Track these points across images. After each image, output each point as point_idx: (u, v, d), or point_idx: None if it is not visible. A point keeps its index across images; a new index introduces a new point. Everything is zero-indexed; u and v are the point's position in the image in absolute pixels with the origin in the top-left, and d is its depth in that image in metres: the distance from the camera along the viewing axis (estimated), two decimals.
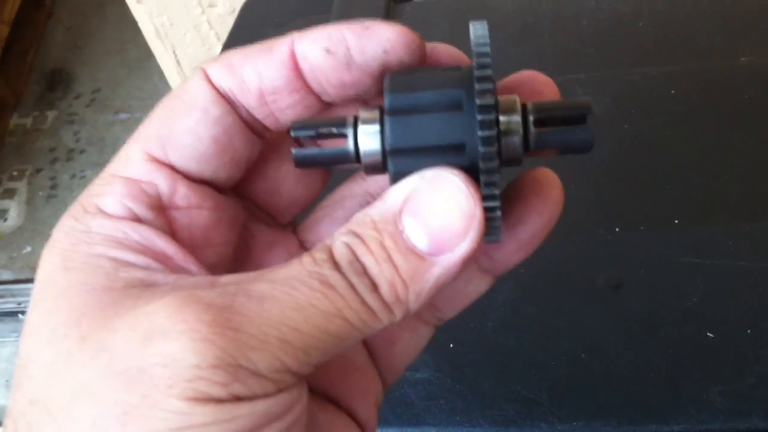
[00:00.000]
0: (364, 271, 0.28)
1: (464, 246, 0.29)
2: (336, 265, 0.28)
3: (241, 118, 0.33)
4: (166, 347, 0.26)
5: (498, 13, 0.84)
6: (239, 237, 0.36)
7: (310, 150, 0.32)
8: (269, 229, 0.37)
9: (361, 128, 0.31)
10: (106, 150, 2.62)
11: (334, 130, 0.32)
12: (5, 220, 2.50)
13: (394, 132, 0.30)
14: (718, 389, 0.52)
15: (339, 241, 0.29)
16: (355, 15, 0.87)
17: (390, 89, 0.30)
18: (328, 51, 0.31)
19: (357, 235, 0.29)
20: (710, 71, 0.71)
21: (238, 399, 0.26)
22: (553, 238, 0.61)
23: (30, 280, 2.33)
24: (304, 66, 0.32)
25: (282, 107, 0.33)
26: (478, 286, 0.37)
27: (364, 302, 0.28)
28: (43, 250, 0.32)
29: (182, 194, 0.33)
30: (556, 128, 0.31)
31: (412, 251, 0.29)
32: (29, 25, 2.98)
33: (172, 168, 0.33)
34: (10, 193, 2.58)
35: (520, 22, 0.82)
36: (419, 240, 0.29)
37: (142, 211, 0.32)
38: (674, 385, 0.53)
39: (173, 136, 0.32)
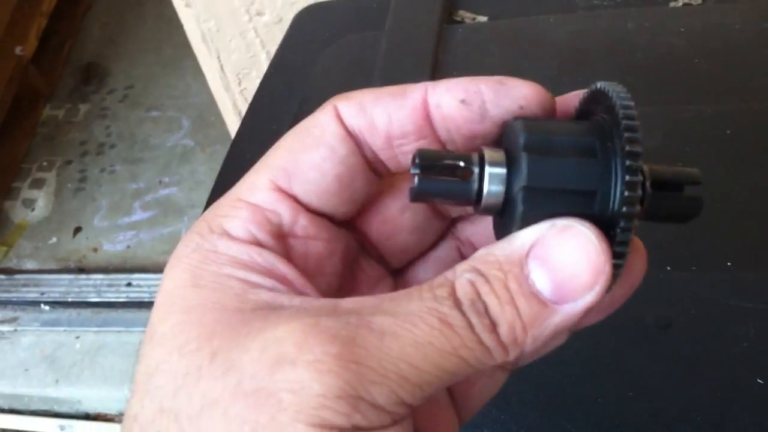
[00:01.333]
0: (485, 311, 0.29)
1: (588, 298, 0.29)
2: (457, 303, 0.29)
3: (364, 157, 0.34)
4: (294, 374, 0.27)
5: (550, 41, 0.84)
6: (349, 269, 0.37)
7: (429, 182, 0.32)
8: (378, 266, 0.38)
9: (489, 168, 0.31)
10: (136, 146, 2.64)
11: (461, 163, 0.31)
12: (33, 209, 2.52)
13: (530, 170, 0.30)
14: None
15: (463, 278, 0.29)
16: (408, 34, 0.87)
17: (525, 130, 0.30)
18: (463, 102, 0.32)
19: (481, 274, 0.29)
20: (766, 112, 0.71)
21: (358, 429, 0.27)
22: None
23: (54, 271, 2.35)
24: (436, 114, 0.33)
25: (406, 151, 0.34)
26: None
27: (481, 342, 0.29)
28: (169, 263, 0.33)
29: (301, 224, 0.34)
30: (669, 193, 0.32)
31: (535, 296, 0.29)
32: (67, 18, 3.01)
33: (295, 199, 0.34)
34: (38, 184, 2.60)
35: (573, 50, 0.82)
36: (544, 286, 0.29)
37: (264, 237, 0.33)
38: (721, 430, 0.53)
39: (299, 169, 0.33)
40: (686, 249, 0.62)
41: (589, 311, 0.29)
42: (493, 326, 0.29)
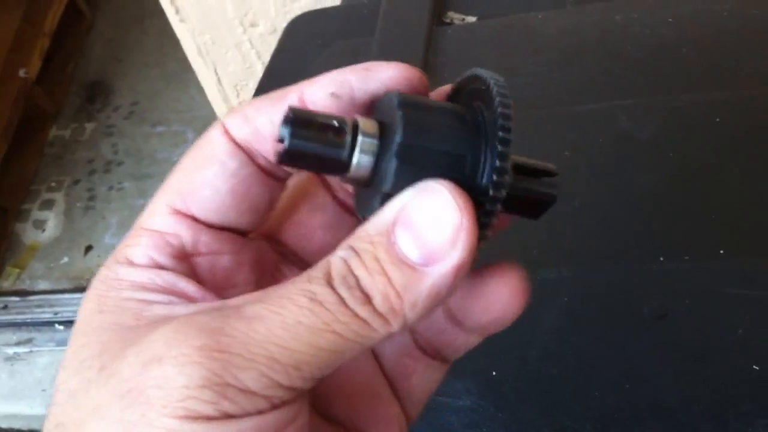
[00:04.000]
0: (357, 284, 0.29)
1: (454, 256, 0.29)
2: (329, 281, 0.29)
3: (259, 166, 0.35)
4: (161, 371, 0.28)
5: (541, 37, 0.84)
6: (269, 278, 0.37)
7: (300, 141, 0.31)
8: (300, 271, 0.37)
9: (362, 137, 0.31)
10: (143, 162, 2.65)
11: (335, 123, 0.31)
12: (43, 230, 2.53)
13: (405, 128, 0.30)
14: (763, 422, 0.52)
15: (336, 256, 0.30)
16: (398, 38, 0.87)
17: (399, 95, 0.31)
18: (333, 95, 0.34)
19: (353, 250, 0.30)
20: (756, 98, 0.71)
21: (229, 416, 0.27)
22: (597, 266, 0.62)
23: (67, 290, 2.36)
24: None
25: None
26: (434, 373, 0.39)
27: (355, 315, 0.29)
28: (84, 297, 0.34)
29: (204, 242, 0.35)
30: (527, 177, 0.34)
31: (404, 262, 0.29)
32: (70, 37, 3.03)
33: (194, 218, 0.35)
34: (48, 204, 2.61)
35: (564, 45, 0.82)
36: (411, 251, 0.29)
37: (165, 260, 0.34)
38: (720, 417, 0.53)
39: (193, 189, 0.34)
40: (679, 238, 0.62)
41: (460, 270, 0.29)
42: (367, 298, 0.29)
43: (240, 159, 0.34)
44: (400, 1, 0.91)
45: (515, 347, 0.59)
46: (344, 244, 0.30)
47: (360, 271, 0.29)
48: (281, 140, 0.31)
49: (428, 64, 0.83)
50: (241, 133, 0.34)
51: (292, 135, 0.31)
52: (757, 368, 0.54)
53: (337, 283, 0.29)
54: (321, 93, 0.34)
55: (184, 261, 0.35)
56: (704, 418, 0.53)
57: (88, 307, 0.33)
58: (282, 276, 0.38)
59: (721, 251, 0.60)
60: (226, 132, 0.34)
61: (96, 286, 0.34)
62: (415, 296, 0.29)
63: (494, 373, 0.58)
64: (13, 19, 2.72)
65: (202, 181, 0.34)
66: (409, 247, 0.29)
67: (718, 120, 0.69)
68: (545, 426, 0.55)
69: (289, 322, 0.28)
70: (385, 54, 0.85)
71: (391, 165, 0.30)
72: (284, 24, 1.04)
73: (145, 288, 0.33)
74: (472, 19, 0.90)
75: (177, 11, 1.25)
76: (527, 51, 0.82)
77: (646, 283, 0.60)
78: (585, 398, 0.56)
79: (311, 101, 0.34)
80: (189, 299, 0.33)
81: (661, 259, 0.61)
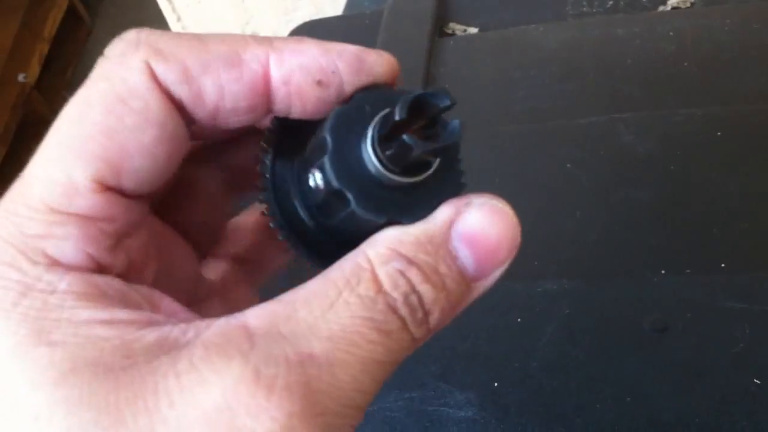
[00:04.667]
0: (420, 302, 0.27)
1: (499, 272, 0.29)
2: (389, 303, 0.26)
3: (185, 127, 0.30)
4: None
5: (542, 50, 0.84)
6: (164, 251, 0.33)
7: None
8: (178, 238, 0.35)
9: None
10: None
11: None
12: None
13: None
14: None
15: (390, 267, 0.27)
16: (399, 48, 0.88)
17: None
18: (320, 84, 0.29)
19: (410, 261, 0.27)
20: (756, 114, 0.71)
21: None
22: (597, 278, 0.62)
23: None
24: (281, 91, 0.29)
25: (230, 123, 0.30)
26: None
27: (413, 338, 0.27)
28: None
29: (130, 221, 0.29)
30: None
31: (463, 277, 0.28)
32: (69, 42, 3.03)
33: (123, 194, 0.28)
34: None
35: (565, 58, 0.82)
36: (468, 266, 0.28)
37: (105, 256, 0.27)
38: (720, 431, 0.53)
39: (127, 158, 0.27)
40: (680, 252, 0.62)
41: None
42: (426, 317, 0.27)
43: (176, 120, 0.28)
44: (402, 11, 0.91)
45: (516, 359, 0.59)
46: (386, 251, 0.27)
47: (423, 287, 0.27)
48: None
49: (430, 75, 0.83)
50: (177, 90, 0.28)
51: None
52: (758, 382, 0.54)
53: (399, 304, 0.26)
54: (303, 78, 0.29)
55: (120, 252, 0.28)
56: None
57: (18, 334, 0.24)
58: (171, 247, 0.33)
59: (722, 265, 0.61)
60: (158, 83, 0.28)
61: (16, 301, 0.25)
62: (458, 312, 0.29)
63: (495, 384, 0.58)
64: (12, 24, 2.72)
65: (138, 149, 0.27)
66: (468, 261, 0.28)
67: (719, 134, 0.69)
68: None
69: (368, 364, 0.26)
70: None
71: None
72: (285, 32, 1.04)
73: (103, 303, 0.25)
74: (473, 30, 0.90)
75: (179, 19, 1.25)
76: (528, 63, 0.83)
77: (646, 297, 0.60)
78: (585, 411, 0.56)
79: (284, 81, 0.29)
80: (153, 307, 0.27)
81: (662, 272, 0.61)
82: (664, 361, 0.57)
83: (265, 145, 0.31)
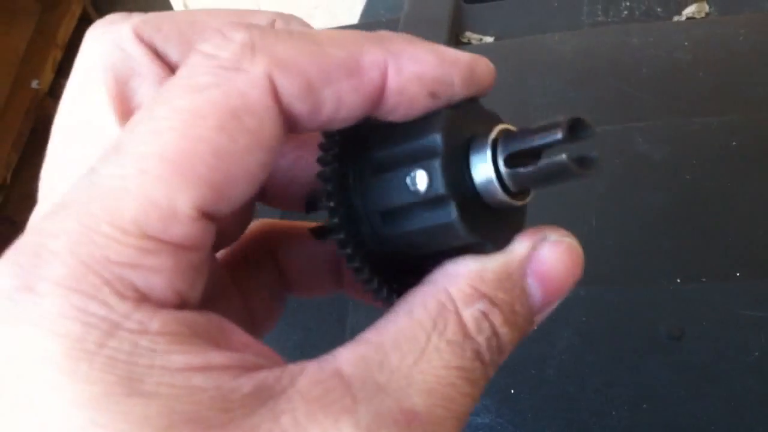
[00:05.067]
0: (498, 344, 0.27)
1: (554, 306, 0.29)
2: (476, 350, 0.26)
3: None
4: None
5: (557, 57, 0.85)
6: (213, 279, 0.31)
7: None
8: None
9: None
10: None
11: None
12: None
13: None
14: None
15: (475, 309, 0.26)
16: None
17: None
18: (432, 95, 0.27)
19: (491, 301, 0.27)
20: None
21: None
22: (614, 285, 0.62)
23: None
24: (392, 100, 0.27)
25: (327, 129, 0.28)
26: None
27: (488, 378, 0.27)
28: (50, 360, 0.21)
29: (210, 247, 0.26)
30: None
31: (532, 313, 0.28)
32: None
33: (212, 219, 0.25)
34: None
35: (580, 67, 0.83)
36: (537, 300, 0.28)
37: (188, 289, 0.24)
38: None
39: (232, 184, 0.24)
40: (696, 260, 0.63)
41: None
42: (501, 357, 0.27)
43: (282, 140, 0.25)
44: (418, 20, 0.92)
45: (532, 365, 0.59)
46: (469, 288, 0.27)
47: (503, 330, 0.26)
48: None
49: None
50: (297, 106, 0.25)
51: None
52: None
53: (483, 349, 0.26)
54: (419, 89, 0.26)
55: (199, 283, 0.25)
56: None
57: (104, 381, 0.21)
58: (221, 279, 0.32)
59: (737, 273, 0.61)
60: (277, 99, 0.25)
61: (102, 342, 0.21)
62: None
63: (512, 391, 0.58)
64: (25, 30, 2.73)
65: (243, 173, 0.24)
66: (537, 297, 0.28)
67: (734, 143, 0.70)
68: None
69: (461, 419, 0.25)
70: None
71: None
72: None
73: (195, 344, 0.23)
74: (489, 39, 0.91)
75: None
76: (543, 72, 0.83)
77: (662, 304, 0.61)
78: (601, 417, 0.56)
79: (399, 91, 0.26)
80: (245, 349, 0.25)
81: (678, 280, 0.61)
82: (680, 368, 0.57)
83: (328, 158, 0.28)
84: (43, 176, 0.29)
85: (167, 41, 0.28)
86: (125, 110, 0.28)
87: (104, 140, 0.27)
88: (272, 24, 0.29)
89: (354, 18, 1.12)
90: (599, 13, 0.89)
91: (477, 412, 0.57)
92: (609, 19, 0.88)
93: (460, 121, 0.28)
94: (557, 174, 0.26)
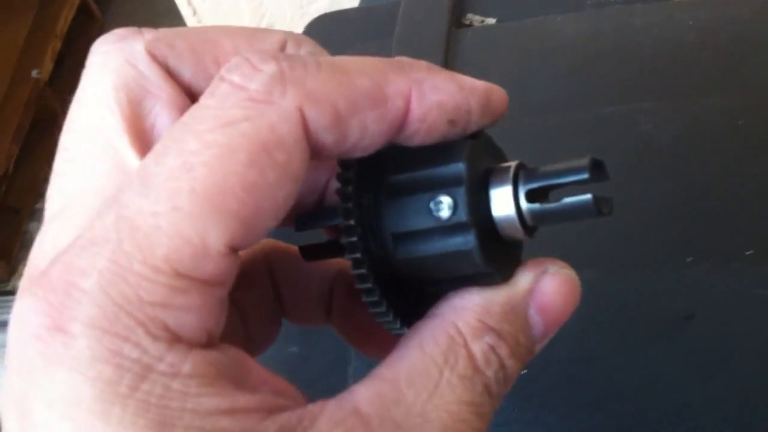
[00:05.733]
0: (505, 377, 0.28)
1: (553, 335, 0.30)
2: (486, 383, 0.27)
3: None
4: None
5: (559, 40, 0.84)
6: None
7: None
8: None
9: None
10: None
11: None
12: None
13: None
14: None
15: (483, 343, 0.27)
16: (417, 40, 0.87)
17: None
18: (451, 123, 0.28)
19: (500, 336, 0.27)
20: None
21: None
22: (622, 267, 0.62)
23: None
24: (413, 127, 0.27)
25: (348, 156, 0.28)
26: None
27: (495, 412, 0.28)
28: (81, 401, 0.21)
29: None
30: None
31: (534, 345, 0.29)
32: (81, 38, 3.03)
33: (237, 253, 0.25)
34: None
35: (584, 48, 0.82)
36: (538, 332, 0.29)
37: (218, 329, 0.24)
38: (745, 421, 0.53)
39: (261, 218, 0.24)
40: (704, 241, 0.62)
41: None
42: (506, 389, 0.28)
43: (306, 171, 0.25)
44: (420, 2, 0.91)
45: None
46: (477, 323, 0.27)
47: (510, 362, 0.27)
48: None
49: (448, 66, 0.83)
50: (326, 137, 0.25)
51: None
52: None
53: (492, 382, 0.27)
54: (439, 116, 0.27)
55: (223, 318, 0.25)
56: (729, 422, 0.53)
57: (136, 425, 0.21)
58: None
59: (747, 252, 0.60)
60: (307, 132, 0.25)
61: (135, 385, 0.21)
62: None
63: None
64: (25, 21, 2.73)
65: (271, 208, 0.24)
66: (538, 328, 0.29)
67: (740, 123, 0.69)
68: (568, 429, 0.55)
69: None
70: (404, 54, 0.84)
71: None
72: (301, 26, 1.04)
73: (222, 385, 0.23)
74: (491, 21, 0.90)
75: (194, 12, 1.25)
76: (547, 53, 0.83)
77: (672, 285, 0.60)
78: (609, 401, 0.56)
79: (421, 119, 0.27)
80: (253, 379, 0.25)
81: (688, 260, 0.61)
82: (690, 351, 0.57)
83: (349, 176, 0.28)
84: (50, 194, 0.29)
85: (181, 60, 0.28)
86: (138, 131, 0.28)
87: (118, 163, 0.27)
88: (283, 46, 0.29)
89: (355, 1, 1.11)
90: None
91: None
92: (612, 0, 0.87)
93: (478, 153, 0.29)
94: (579, 212, 0.28)
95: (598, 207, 0.28)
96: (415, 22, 0.89)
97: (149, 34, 0.28)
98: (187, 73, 0.29)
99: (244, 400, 0.23)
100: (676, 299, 0.58)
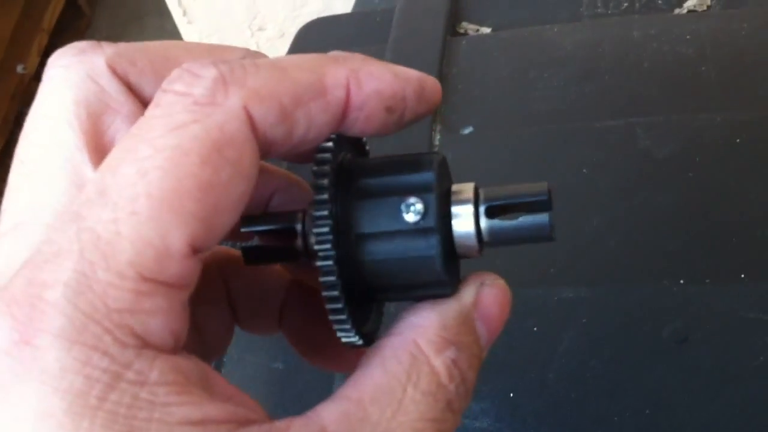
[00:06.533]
0: (465, 390, 0.28)
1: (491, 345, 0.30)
2: (448, 401, 0.27)
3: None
4: None
5: (557, 51, 0.83)
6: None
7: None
8: None
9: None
10: None
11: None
12: None
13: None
14: None
15: (445, 357, 0.28)
16: (412, 47, 0.86)
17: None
18: (388, 110, 0.28)
19: (458, 347, 0.28)
20: None
21: None
22: (616, 286, 0.61)
23: None
24: (352, 116, 0.28)
25: (300, 152, 0.29)
26: None
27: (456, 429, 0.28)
28: (48, 412, 0.21)
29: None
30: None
31: (483, 354, 0.29)
32: (69, 33, 3.01)
33: (199, 255, 0.25)
34: None
35: (580, 59, 0.81)
36: (485, 343, 0.30)
37: (183, 333, 0.24)
38: None
39: (219, 217, 0.24)
40: (700, 261, 0.61)
41: None
42: (466, 402, 0.28)
43: (257, 168, 0.26)
44: (414, 9, 0.90)
45: (533, 369, 0.58)
46: (438, 338, 0.28)
47: (469, 373, 0.28)
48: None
49: (442, 74, 0.82)
50: (273, 132, 0.26)
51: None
52: None
53: (453, 396, 0.27)
54: (377, 104, 0.28)
55: (186, 323, 0.25)
56: None
57: None
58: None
59: (742, 275, 0.60)
60: (255, 128, 0.25)
61: (103, 395, 0.21)
62: None
63: (511, 395, 0.57)
64: (11, 14, 2.70)
65: (227, 206, 0.25)
66: (484, 338, 0.29)
67: (738, 140, 0.68)
68: None
69: None
70: (399, 63, 0.84)
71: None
72: (293, 29, 1.03)
73: (191, 394, 0.23)
74: (486, 30, 0.89)
75: (185, 13, 1.24)
76: (542, 64, 0.82)
77: (665, 306, 0.59)
78: (603, 423, 0.55)
79: (359, 107, 0.27)
80: (217, 391, 0.24)
81: (681, 281, 0.60)
82: (685, 372, 0.56)
83: (325, 170, 0.28)
84: (5, 209, 0.28)
85: (141, 76, 0.28)
86: (97, 147, 0.28)
87: (76, 179, 0.27)
88: (242, 59, 0.29)
89: (348, 6, 1.10)
90: (599, 4, 0.88)
91: (475, 416, 0.56)
92: (609, 11, 0.87)
93: (442, 170, 0.30)
94: (534, 231, 0.29)
95: (552, 229, 0.29)
96: (410, 29, 0.88)
97: (110, 48, 0.28)
98: (148, 89, 0.29)
99: (214, 410, 0.23)
100: (670, 321, 0.58)
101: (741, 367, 0.55)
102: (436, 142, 0.76)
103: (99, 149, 0.28)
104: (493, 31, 0.89)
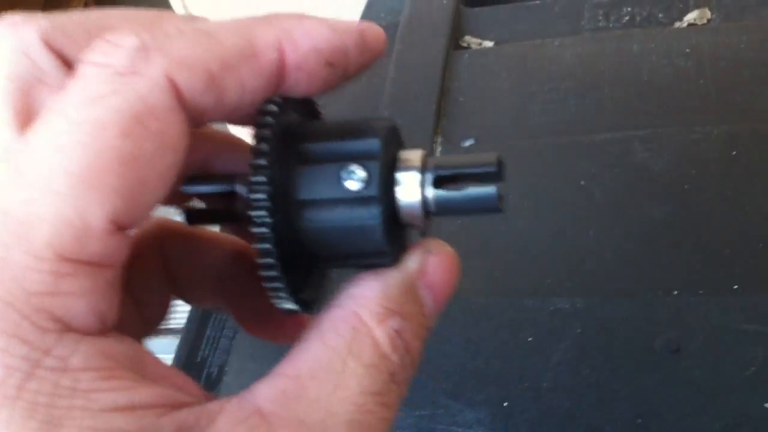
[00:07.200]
0: (411, 360, 0.27)
1: (439, 313, 0.30)
2: (391, 373, 0.26)
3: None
4: None
5: (557, 64, 0.84)
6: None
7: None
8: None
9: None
10: None
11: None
12: None
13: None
14: None
15: (387, 327, 0.27)
16: (414, 61, 0.88)
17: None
18: (330, 65, 0.27)
19: (403, 317, 0.27)
20: None
21: None
22: (611, 297, 0.62)
23: None
24: (292, 75, 0.27)
25: (240, 116, 0.27)
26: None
27: (401, 400, 0.27)
28: None
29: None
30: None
31: (430, 322, 0.29)
32: None
33: (126, 231, 0.24)
34: None
35: (581, 73, 0.82)
36: (430, 308, 0.29)
37: (111, 314, 0.23)
38: None
39: (144, 191, 0.23)
40: (694, 272, 0.62)
41: None
42: (412, 372, 0.28)
43: (188, 139, 0.25)
44: (418, 24, 0.91)
45: (527, 378, 0.59)
46: (379, 308, 0.27)
47: (415, 343, 0.27)
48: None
49: (445, 88, 0.83)
50: (201, 100, 0.25)
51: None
52: None
53: (397, 368, 0.26)
54: (316, 60, 0.27)
55: (115, 303, 0.24)
56: None
57: (23, 427, 0.20)
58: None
59: (735, 286, 0.60)
60: (179, 97, 0.24)
61: (20, 385, 0.20)
62: None
63: (505, 404, 0.58)
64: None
65: (153, 179, 0.23)
66: (429, 306, 0.29)
67: (734, 153, 0.69)
68: None
69: None
70: (402, 76, 0.85)
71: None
72: None
73: (118, 378, 0.22)
74: (489, 44, 0.90)
75: (185, 9, 1.25)
76: (544, 77, 0.83)
77: (659, 317, 0.60)
78: None
79: (297, 66, 0.26)
80: (149, 372, 0.24)
81: (675, 292, 0.61)
82: (677, 383, 0.57)
83: (265, 134, 0.27)
84: None
85: (77, 48, 0.26)
86: (29, 123, 0.26)
87: (5, 156, 0.26)
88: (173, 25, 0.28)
89: (356, 14, 1.11)
90: (600, 18, 0.89)
91: (470, 425, 0.57)
92: (610, 25, 0.88)
93: (391, 137, 0.29)
94: (481, 203, 0.28)
95: (500, 200, 0.28)
96: (413, 42, 0.89)
97: (44, 21, 0.26)
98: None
99: (142, 394, 0.22)
100: (663, 331, 0.59)
101: (733, 378, 0.56)
102: (438, 154, 0.77)
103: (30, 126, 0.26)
104: (495, 44, 0.90)
